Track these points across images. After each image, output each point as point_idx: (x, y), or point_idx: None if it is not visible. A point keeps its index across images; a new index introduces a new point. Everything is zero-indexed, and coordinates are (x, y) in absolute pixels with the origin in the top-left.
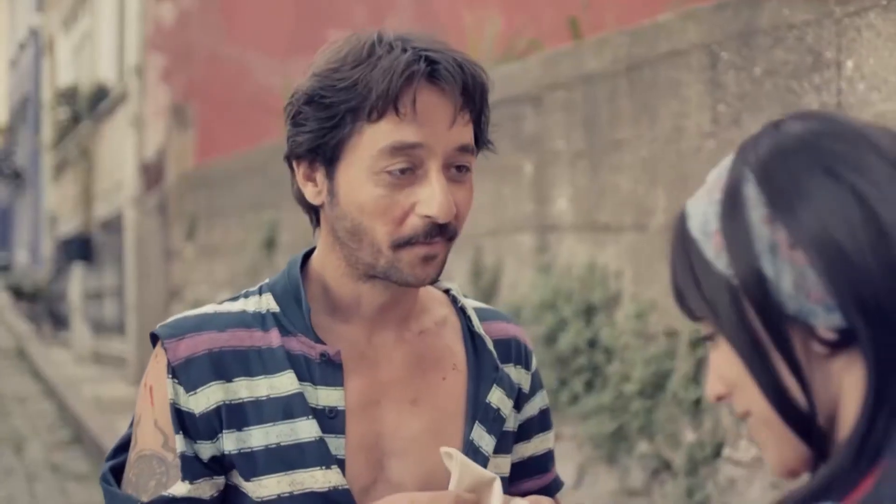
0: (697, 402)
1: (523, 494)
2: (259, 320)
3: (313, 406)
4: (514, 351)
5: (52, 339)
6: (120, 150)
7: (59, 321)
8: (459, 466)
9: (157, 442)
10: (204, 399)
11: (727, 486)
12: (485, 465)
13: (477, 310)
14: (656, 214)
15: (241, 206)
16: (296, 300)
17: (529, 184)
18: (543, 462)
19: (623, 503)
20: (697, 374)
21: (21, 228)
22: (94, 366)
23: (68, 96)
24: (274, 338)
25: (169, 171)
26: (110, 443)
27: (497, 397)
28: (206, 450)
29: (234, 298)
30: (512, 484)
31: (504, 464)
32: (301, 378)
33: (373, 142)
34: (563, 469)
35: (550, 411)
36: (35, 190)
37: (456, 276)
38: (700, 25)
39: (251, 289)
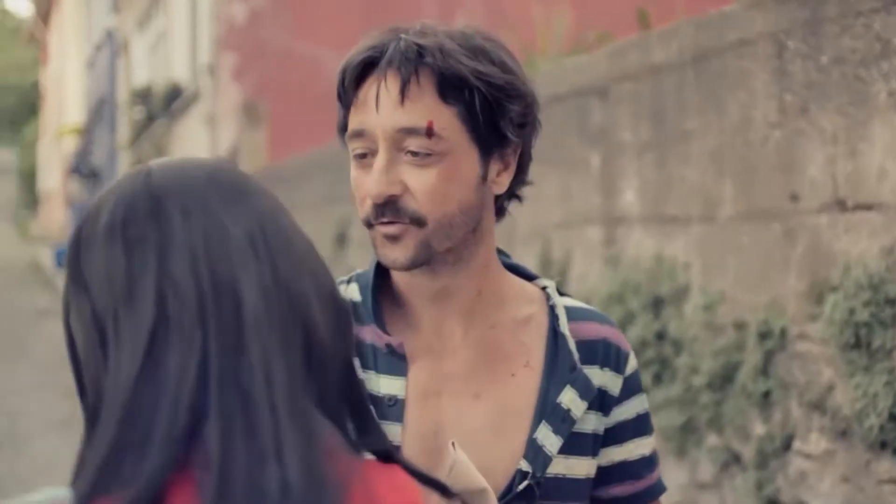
0: (767, 395)
1: (611, 500)
2: None
3: (374, 394)
4: (600, 353)
5: None
6: (194, 148)
7: None
8: (455, 466)
9: None
10: None
11: (797, 480)
12: (545, 466)
13: (571, 309)
14: (724, 205)
15: (313, 201)
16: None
17: (597, 176)
18: (636, 468)
19: (693, 496)
20: (767, 366)
21: None
22: None
23: (143, 96)
24: None
25: (242, 169)
26: None
27: (569, 398)
28: None
29: None
30: (599, 487)
31: (578, 465)
32: (365, 366)
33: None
34: None
35: (650, 417)
36: None
37: None
38: (767, 14)
39: (343, 278)
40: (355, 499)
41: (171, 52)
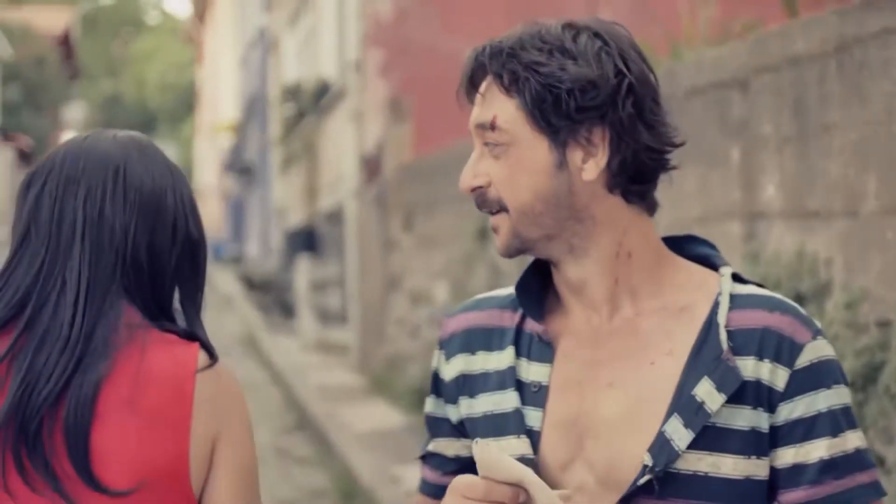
0: None
1: None
2: (517, 302)
3: (522, 380)
4: (759, 343)
5: (280, 328)
6: (341, 143)
7: (286, 310)
8: (481, 463)
9: None
10: (452, 368)
11: None
12: (668, 460)
13: (739, 296)
14: (868, 200)
15: (456, 196)
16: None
17: (737, 170)
18: (813, 472)
19: None
20: None
21: (252, 221)
22: (319, 354)
23: (293, 93)
24: (517, 317)
25: (387, 164)
26: (332, 429)
27: (704, 390)
28: (453, 413)
29: None
30: (777, 491)
31: (727, 464)
32: (519, 354)
33: None
34: None
35: (842, 418)
36: (264, 184)
37: None
38: None
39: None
40: (125, 359)
41: (319, 49)
